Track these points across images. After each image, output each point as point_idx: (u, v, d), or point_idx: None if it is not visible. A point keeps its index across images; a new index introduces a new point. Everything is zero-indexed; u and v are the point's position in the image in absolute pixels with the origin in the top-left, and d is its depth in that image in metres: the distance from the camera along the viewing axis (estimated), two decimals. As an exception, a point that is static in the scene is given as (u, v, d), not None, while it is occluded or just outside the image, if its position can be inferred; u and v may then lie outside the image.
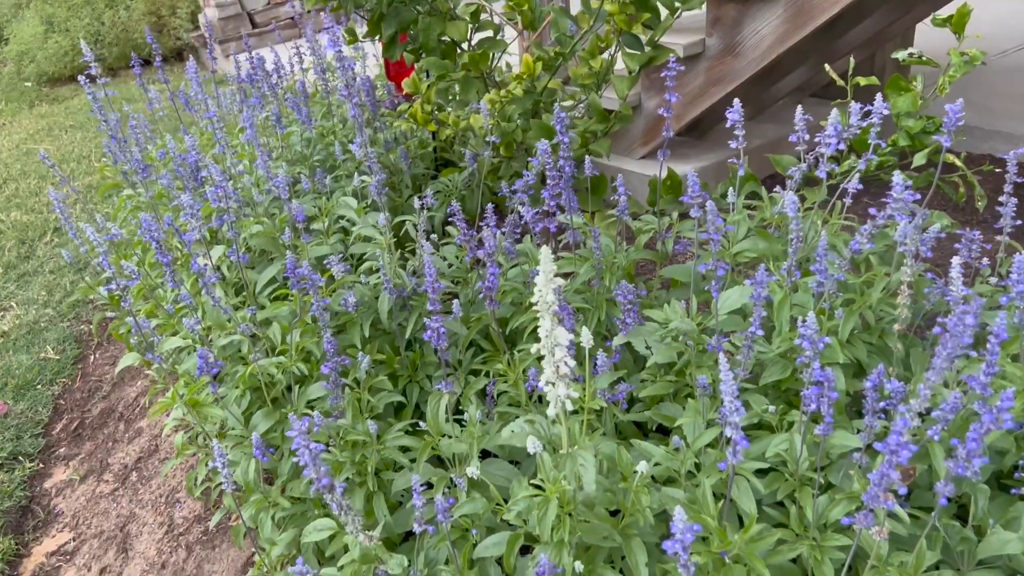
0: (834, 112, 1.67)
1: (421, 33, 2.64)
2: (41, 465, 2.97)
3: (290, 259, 1.64)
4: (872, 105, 1.70)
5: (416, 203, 1.87)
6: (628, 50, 2.52)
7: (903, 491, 1.13)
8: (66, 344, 3.66)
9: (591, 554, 1.42)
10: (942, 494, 1.17)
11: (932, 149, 2.10)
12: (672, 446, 1.56)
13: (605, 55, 2.57)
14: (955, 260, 1.29)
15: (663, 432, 1.92)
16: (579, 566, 1.35)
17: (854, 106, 1.67)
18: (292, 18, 7.74)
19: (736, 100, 1.83)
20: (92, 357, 3.58)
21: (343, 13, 2.72)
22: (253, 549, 2.15)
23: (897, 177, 1.42)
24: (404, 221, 2.03)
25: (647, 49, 2.56)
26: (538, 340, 1.36)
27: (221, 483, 1.64)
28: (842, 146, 1.69)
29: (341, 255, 2.04)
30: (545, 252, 1.18)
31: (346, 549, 1.57)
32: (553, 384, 1.29)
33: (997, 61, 4.26)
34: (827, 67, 2.48)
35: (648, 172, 3.43)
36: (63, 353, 3.60)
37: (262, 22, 8.01)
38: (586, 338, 1.41)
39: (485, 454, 1.83)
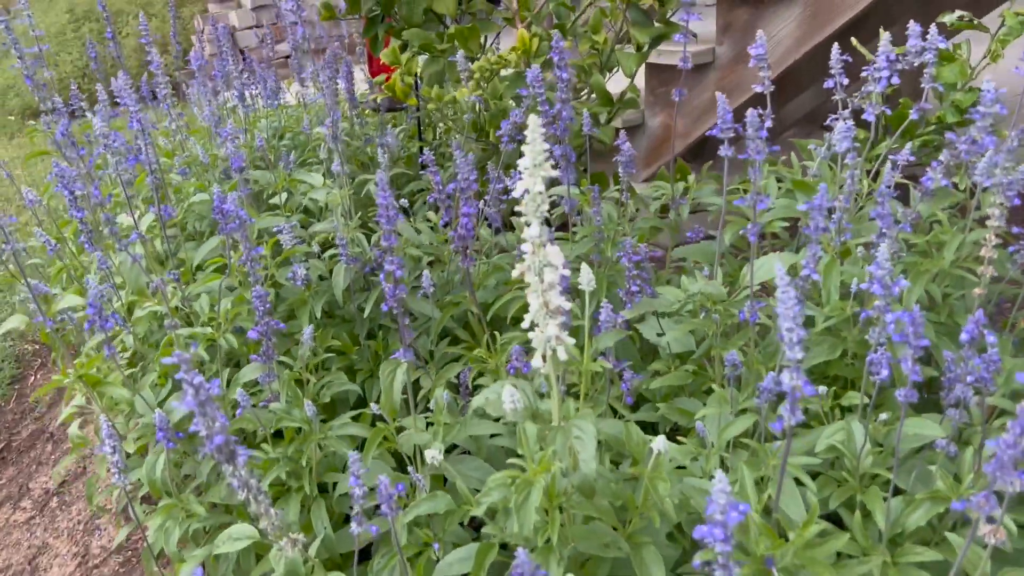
0: (885, 36, 1.38)
1: (405, 6, 2.37)
2: (-45, 491, 2.59)
3: (216, 193, 1.31)
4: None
5: (380, 156, 1.55)
6: (636, 25, 2.25)
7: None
8: (4, 364, 3.30)
9: (589, 568, 1.06)
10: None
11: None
12: (695, 435, 1.21)
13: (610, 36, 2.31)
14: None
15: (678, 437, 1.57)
16: (572, 581, 0.99)
17: (914, 26, 1.38)
18: (287, 57, 7.57)
19: (760, 33, 1.55)
20: (32, 378, 3.22)
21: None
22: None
23: (987, 84, 1.11)
24: (366, 181, 1.71)
25: (657, 25, 2.29)
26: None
27: (122, 486, 1.28)
28: (896, 80, 1.39)
29: (292, 227, 1.71)
30: (534, 121, 0.86)
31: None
32: (540, 327, 0.95)
33: None
34: (854, 40, 2.21)
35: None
36: (0, 372, 3.24)
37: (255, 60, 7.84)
38: (586, 280, 1.08)
39: (454, 452, 1.48)
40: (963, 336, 0.98)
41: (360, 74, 3.90)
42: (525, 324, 0.96)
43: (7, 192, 5.24)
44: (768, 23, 2.98)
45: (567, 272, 1.04)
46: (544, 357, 0.97)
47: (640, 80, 3.19)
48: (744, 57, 3.08)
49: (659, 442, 0.99)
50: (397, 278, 1.13)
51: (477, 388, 1.54)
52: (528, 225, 0.89)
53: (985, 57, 1.89)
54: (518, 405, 0.93)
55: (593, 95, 2.38)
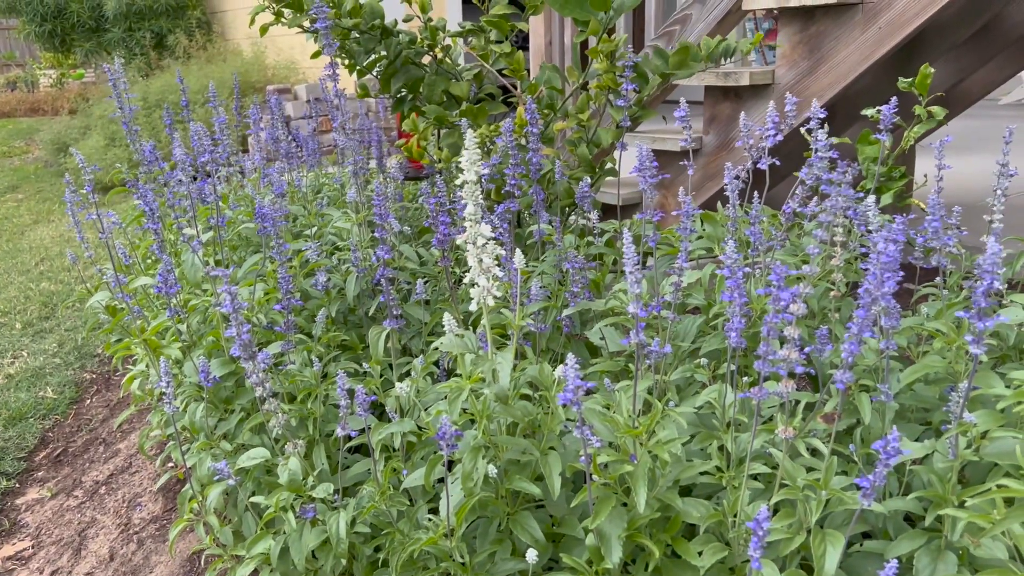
0: (771, 105, 1.80)
1: (426, 88, 2.86)
2: (17, 484, 2.98)
3: (258, 200, 1.75)
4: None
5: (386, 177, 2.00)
6: (614, 107, 2.70)
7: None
8: (66, 388, 3.75)
9: (509, 475, 1.42)
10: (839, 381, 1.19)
11: (897, 190, 2.21)
12: (604, 389, 1.58)
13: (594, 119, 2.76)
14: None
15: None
16: (492, 469, 1.36)
17: (790, 98, 1.80)
18: (334, 145, 8.26)
19: (683, 100, 1.98)
20: (89, 400, 3.66)
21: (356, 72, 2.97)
22: (199, 542, 2.11)
23: (820, 134, 1.52)
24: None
25: (634, 108, 2.73)
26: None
27: (171, 434, 1.68)
28: (780, 137, 1.81)
29: (318, 247, 2.14)
30: (470, 135, 1.28)
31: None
32: (476, 284, 1.35)
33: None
34: (802, 130, 2.63)
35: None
36: (61, 394, 3.68)
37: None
38: (519, 260, 1.48)
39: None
40: (772, 277, 1.35)
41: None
42: (467, 280, 1.36)
43: (79, 253, 5.84)
44: (747, 116, 3.43)
45: (503, 251, 1.44)
46: (479, 305, 1.36)
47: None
48: (727, 145, 3.56)
49: (559, 370, 1.37)
50: (385, 239, 1.54)
51: (452, 371, 1.92)
52: (469, 205, 1.30)
53: (899, 143, 2.31)
54: (455, 328, 1.32)
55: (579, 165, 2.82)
